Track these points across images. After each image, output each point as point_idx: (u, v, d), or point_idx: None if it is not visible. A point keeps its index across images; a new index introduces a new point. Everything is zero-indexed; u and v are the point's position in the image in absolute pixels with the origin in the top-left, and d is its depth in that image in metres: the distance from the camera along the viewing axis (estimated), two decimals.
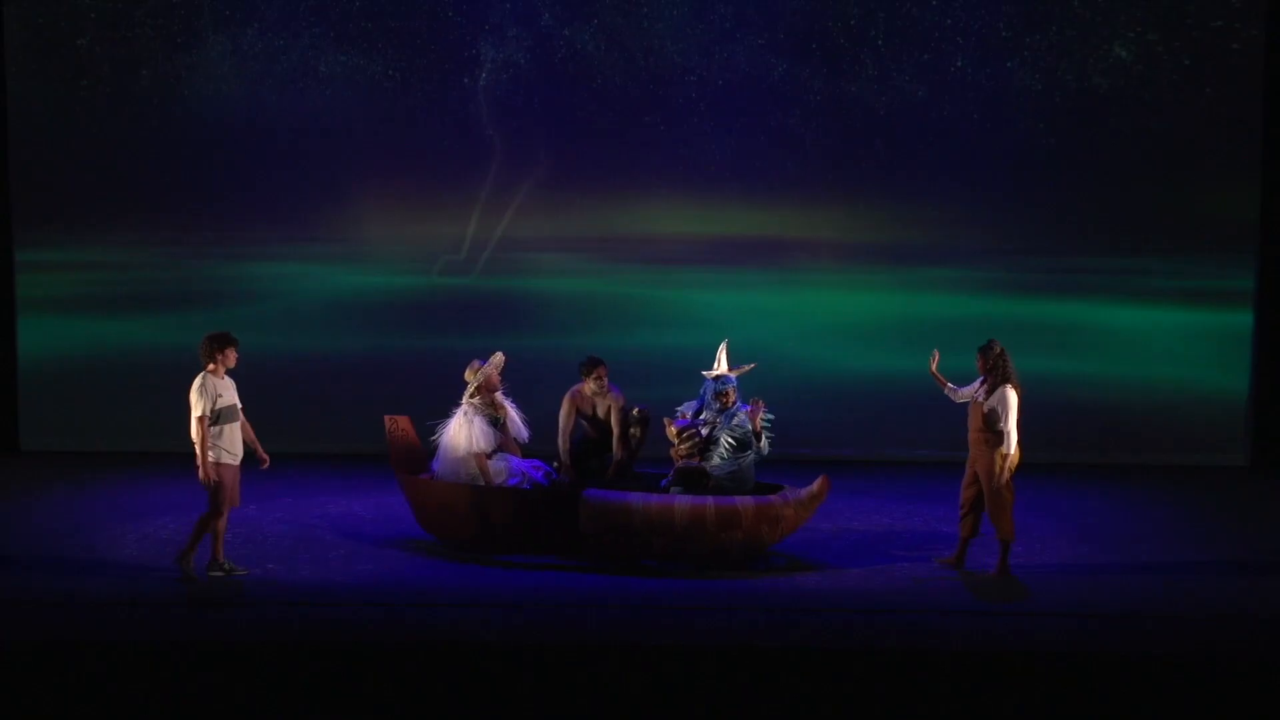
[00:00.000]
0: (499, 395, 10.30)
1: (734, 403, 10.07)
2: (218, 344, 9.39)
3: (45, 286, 14.14)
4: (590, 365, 10.45)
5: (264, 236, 14.10)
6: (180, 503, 11.66)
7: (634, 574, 9.57)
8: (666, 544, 9.65)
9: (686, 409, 10.32)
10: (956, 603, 9.00)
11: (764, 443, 10.05)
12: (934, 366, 10.08)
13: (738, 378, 10.18)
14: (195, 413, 9.21)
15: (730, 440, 9.99)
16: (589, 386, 10.48)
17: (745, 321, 13.70)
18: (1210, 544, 10.85)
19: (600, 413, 10.52)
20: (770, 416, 10.09)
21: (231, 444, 9.34)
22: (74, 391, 14.03)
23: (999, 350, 9.61)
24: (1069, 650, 8.07)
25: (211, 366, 9.33)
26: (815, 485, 9.80)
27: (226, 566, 9.39)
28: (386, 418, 10.56)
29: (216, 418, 9.24)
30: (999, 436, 9.41)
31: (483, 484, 10.02)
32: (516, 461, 10.24)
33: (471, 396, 10.17)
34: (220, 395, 9.28)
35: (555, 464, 10.41)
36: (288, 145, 13.93)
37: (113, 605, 8.72)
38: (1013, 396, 9.44)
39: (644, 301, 14.13)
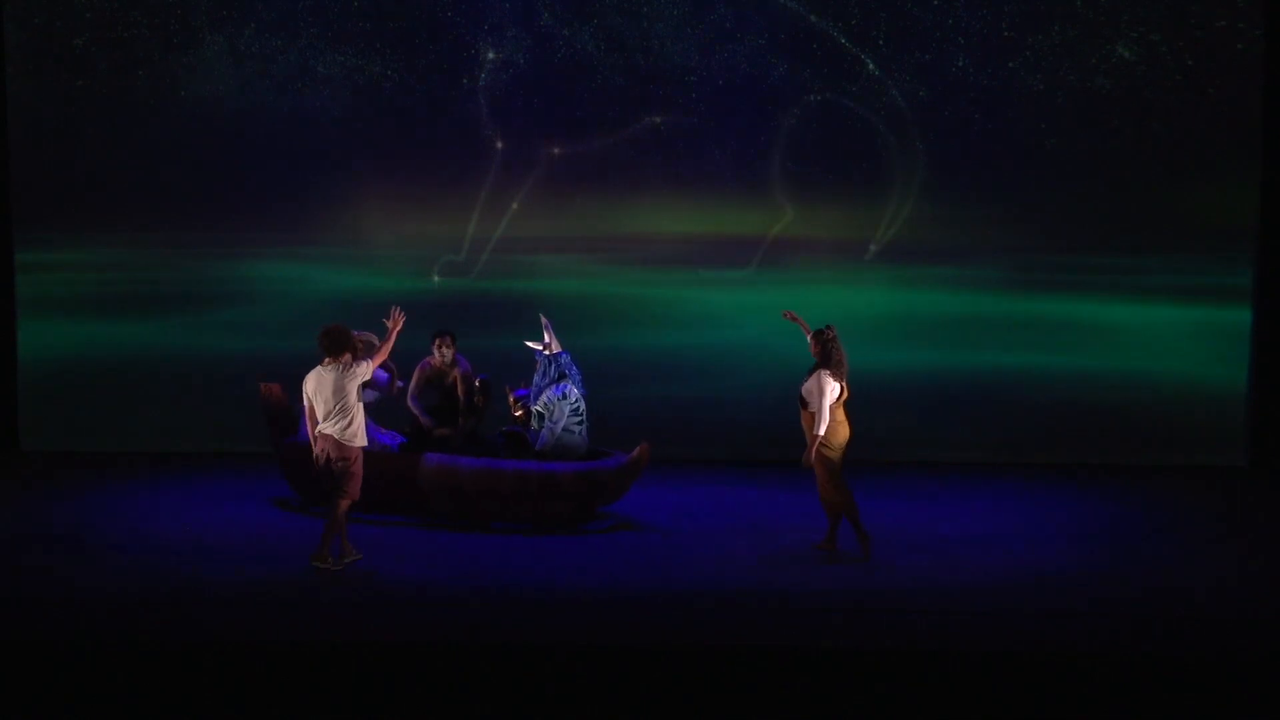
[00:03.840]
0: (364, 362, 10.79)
1: (562, 378, 11.13)
2: (349, 339, 9.66)
3: (45, 286, 14.13)
4: (438, 337, 11.44)
5: (263, 237, 14.09)
6: (180, 503, 11.68)
7: (634, 574, 9.58)
8: (495, 506, 10.79)
9: (569, 389, 11.11)
10: (956, 603, 9.00)
11: (534, 422, 11.11)
12: (792, 315, 10.53)
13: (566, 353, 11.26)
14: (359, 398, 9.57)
15: (536, 411, 11.12)
16: (437, 357, 11.45)
17: (745, 321, 13.70)
18: (1208, 544, 10.86)
19: (449, 383, 11.51)
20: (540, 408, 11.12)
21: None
22: (74, 391, 14.02)
23: (831, 336, 10.03)
24: (1068, 650, 8.07)
25: (346, 357, 9.56)
26: (635, 452, 10.90)
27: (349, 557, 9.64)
28: (261, 385, 11.58)
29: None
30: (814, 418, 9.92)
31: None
32: (374, 430, 10.91)
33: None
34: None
35: (407, 429, 11.47)
36: (286, 145, 13.92)
37: (113, 605, 8.72)
38: (828, 381, 9.91)
39: (644, 301, 14.12)
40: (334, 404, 9.49)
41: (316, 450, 9.63)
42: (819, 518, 10.41)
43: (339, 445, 9.54)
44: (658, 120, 13.87)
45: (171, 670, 7.78)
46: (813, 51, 13.78)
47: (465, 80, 13.88)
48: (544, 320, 11.28)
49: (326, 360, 9.59)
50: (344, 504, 9.57)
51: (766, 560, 10.05)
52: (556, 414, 11.05)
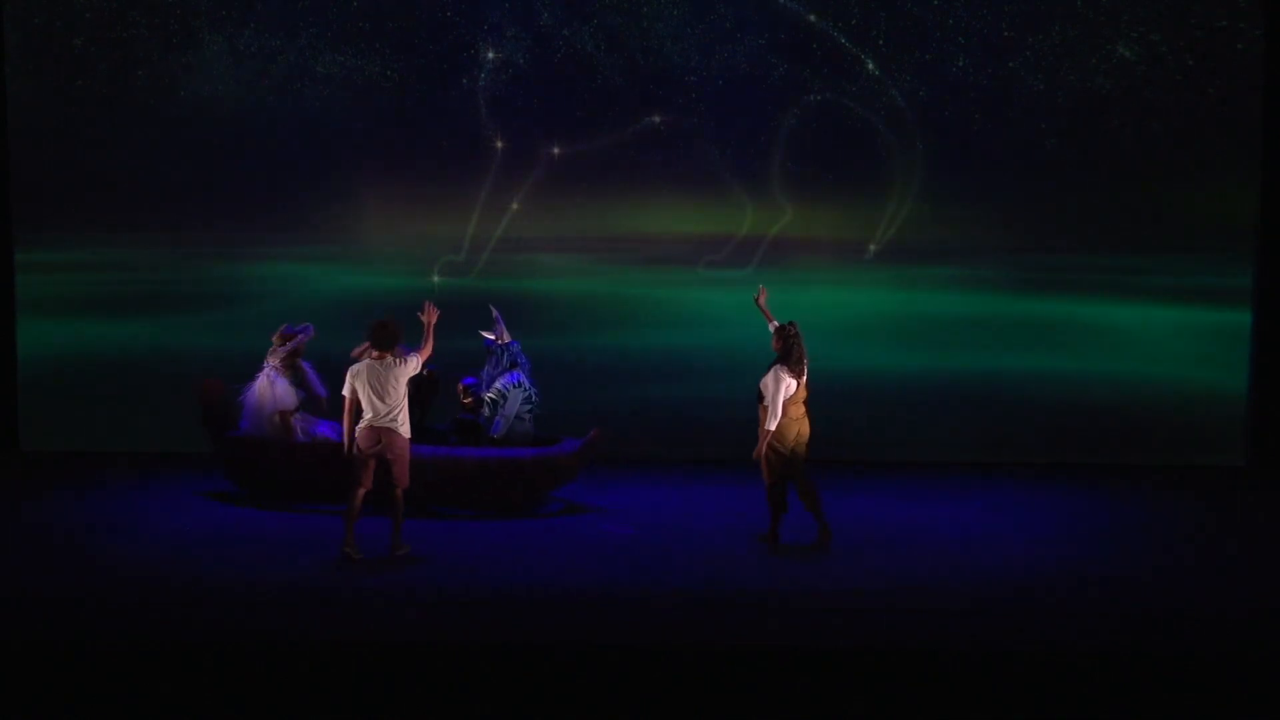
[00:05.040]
0: (299, 360, 11.59)
1: (514, 367, 11.55)
2: (399, 334, 10.04)
3: (45, 287, 14.12)
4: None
5: (262, 237, 14.09)
6: (180, 502, 11.67)
7: (634, 574, 9.58)
8: (457, 491, 11.20)
9: (521, 378, 11.53)
10: (956, 602, 9.00)
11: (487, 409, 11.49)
12: (761, 300, 10.65)
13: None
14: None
15: (489, 399, 11.47)
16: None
17: (745, 321, 13.65)
18: (1208, 544, 10.86)
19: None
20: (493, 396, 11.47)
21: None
22: (74, 391, 14.02)
23: (793, 333, 10.13)
24: (1068, 650, 8.07)
25: (376, 354, 9.88)
26: (590, 436, 11.43)
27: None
28: (205, 381, 11.82)
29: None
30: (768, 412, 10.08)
31: (288, 438, 11.42)
32: (312, 421, 11.55)
33: (273, 360, 11.49)
34: None
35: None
36: (286, 145, 13.91)
37: (113, 605, 8.72)
38: (784, 377, 10.00)
39: (644, 301, 14.12)
40: (390, 397, 9.81)
41: (360, 444, 9.86)
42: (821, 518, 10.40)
43: (393, 436, 9.84)
44: (658, 120, 13.87)
45: (171, 670, 7.77)
46: (813, 51, 13.78)
47: (465, 80, 13.88)
48: (495, 312, 11.67)
49: (375, 354, 9.89)
50: (400, 493, 9.92)
51: (766, 560, 10.05)
52: (510, 402, 11.43)
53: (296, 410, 11.57)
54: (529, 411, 11.55)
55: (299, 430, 11.55)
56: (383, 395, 9.81)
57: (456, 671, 7.80)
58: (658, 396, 13.97)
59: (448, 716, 7.64)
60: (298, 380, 11.62)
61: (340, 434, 11.24)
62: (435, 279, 14.02)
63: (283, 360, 11.58)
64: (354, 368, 9.96)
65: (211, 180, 13.96)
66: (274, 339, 11.69)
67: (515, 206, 13.99)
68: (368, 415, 9.84)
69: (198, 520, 11.07)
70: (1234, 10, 13.54)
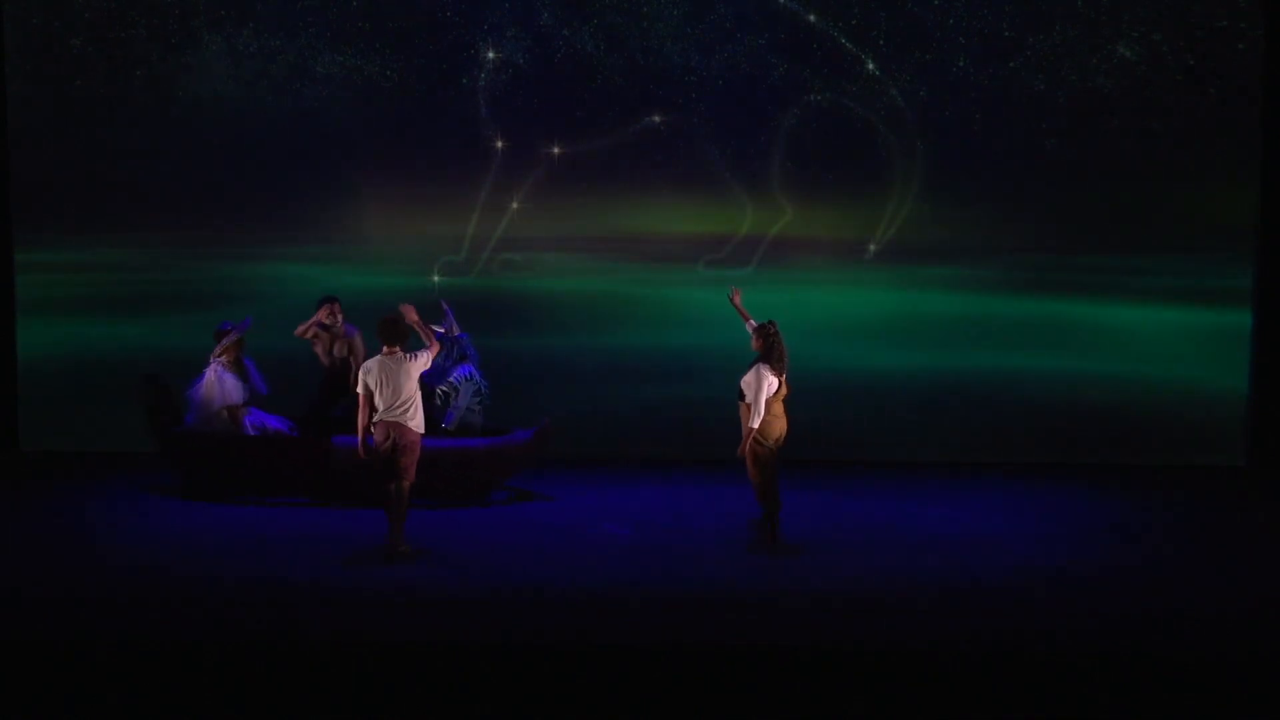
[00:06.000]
0: (242, 355, 11.84)
1: (463, 359, 11.91)
2: (407, 329, 10.23)
3: (45, 286, 14.13)
4: (329, 303, 12.10)
5: (262, 237, 14.09)
6: (179, 502, 11.67)
7: (633, 574, 9.58)
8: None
9: (473, 371, 11.87)
10: (956, 602, 9.00)
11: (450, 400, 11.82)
12: (736, 300, 10.77)
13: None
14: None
15: (442, 391, 11.73)
16: (324, 317, 12.04)
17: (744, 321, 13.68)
18: (1208, 544, 10.86)
19: (337, 350, 12.12)
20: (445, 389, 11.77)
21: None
22: (74, 391, 14.02)
23: (773, 332, 10.21)
24: (1067, 650, 8.07)
25: (387, 349, 9.97)
26: (540, 427, 11.74)
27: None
28: (144, 377, 12.02)
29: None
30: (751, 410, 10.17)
31: (237, 433, 11.65)
32: (260, 415, 11.79)
33: (219, 355, 11.69)
34: None
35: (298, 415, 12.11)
36: (285, 146, 13.92)
37: (113, 605, 8.72)
38: (767, 375, 10.09)
39: (644, 301, 14.11)
40: (402, 391, 9.89)
41: (378, 438, 9.93)
42: (820, 518, 10.41)
43: (402, 429, 9.91)
44: (658, 120, 13.87)
45: (171, 670, 7.77)
46: (813, 51, 13.78)
47: (465, 80, 13.87)
48: (444, 305, 12.01)
49: (386, 350, 9.96)
50: (406, 485, 9.98)
51: (766, 560, 10.04)
52: (461, 395, 11.71)
53: (244, 405, 11.78)
54: (479, 404, 11.81)
55: (248, 425, 11.74)
56: (394, 389, 9.91)
57: (456, 671, 7.80)
58: (658, 396, 13.97)
59: (448, 716, 7.64)
60: (241, 375, 11.83)
61: (289, 427, 11.88)
62: (435, 279, 14.02)
63: (228, 355, 11.78)
64: (366, 365, 10.04)
65: (211, 180, 13.96)
66: (217, 337, 11.91)
67: (515, 206, 13.99)
68: (380, 409, 9.94)
69: (198, 520, 11.07)
70: (1234, 10, 13.54)
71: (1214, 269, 13.88)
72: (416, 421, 10.00)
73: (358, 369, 11.37)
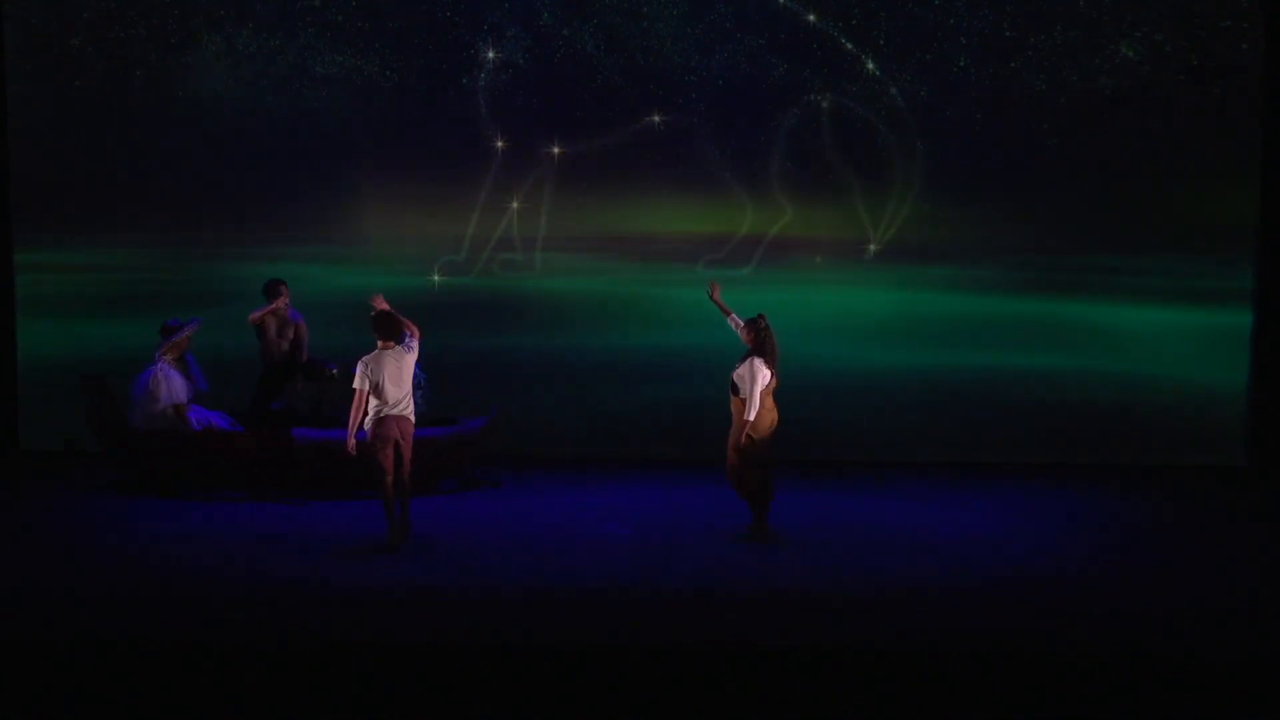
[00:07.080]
0: (186, 353, 11.98)
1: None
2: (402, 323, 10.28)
3: (45, 286, 14.14)
4: (281, 284, 12.30)
5: (262, 237, 14.10)
6: (179, 502, 11.66)
7: (632, 574, 9.57)
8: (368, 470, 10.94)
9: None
10: (956, 602, 9.00)
11: None
12: (716, 295, 10.72)
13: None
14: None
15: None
16: (281, 304, 12.21)
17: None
18: (1208, 544, 10.85)
19: (283, 335, 12.29)
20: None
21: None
22: (74, 391, 13.99)
23: (764, 325, 10.25)
24: (1067, 650, 8.07)
25: (384, 344, 10.10)
26: (491, 415, 12.09)
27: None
28: (84, 378, 12.09)
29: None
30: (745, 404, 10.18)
31: (183, 430, 11.76)
32: (203, 412, 11.95)
33: (165, 354, 11.84)
34: None
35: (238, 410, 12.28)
36: (285, 146, 13.93)
37: (113, 605, 8.71)
38: (761, 368, 10.11)
39: (644, 301, 14.12)
40: (405, 385, 10.09)
41: (383, 432, 10.01)
42: (820, 518, 10.40)
43: (407, 422, 10.13)
44: (658, 120, 13.87)
45: (171, 670, 7.77)
46: (813, 51, 13.78)
47: (465, 80, 13.88)
48: (380, 298, 12.10)
49: (382, 344, 10.07)
50: (407, 474, 10.18)
51: (766, 560, 10.04)
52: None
53: (189, 402, 11.91)
54: (420, 395, 11.79)
55: (193, 421, 11.87)
56: (399, 383, 10.06)
57: (456, 671, 7.80)
58: (658, 396, 13.97)
59: (448, 716, 7.64)
60: (184, 371, 11.98)
61: (229, 423, 12.05)
62: (435, 279, 14.03)
63: (173, 354, 11.90)
64: (368, 360, 10.08)
65: (211, 180, 13.98)
66: (162, 334, 12.02)
67: (515, 206, 13.99)
68: (387, 404, 10.02)
69: (197, 519, 11.07)
70: (1236, 10, 13.54)
71: (1214, 269, 13.88)
72: (412, 411, 10.17)
73: (302, 354, 12.00)
